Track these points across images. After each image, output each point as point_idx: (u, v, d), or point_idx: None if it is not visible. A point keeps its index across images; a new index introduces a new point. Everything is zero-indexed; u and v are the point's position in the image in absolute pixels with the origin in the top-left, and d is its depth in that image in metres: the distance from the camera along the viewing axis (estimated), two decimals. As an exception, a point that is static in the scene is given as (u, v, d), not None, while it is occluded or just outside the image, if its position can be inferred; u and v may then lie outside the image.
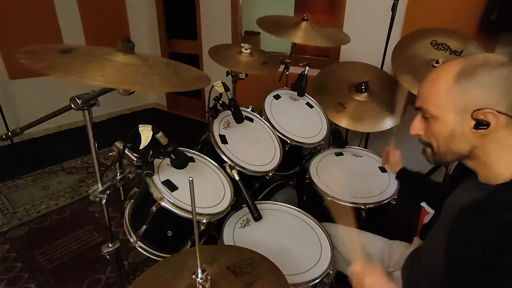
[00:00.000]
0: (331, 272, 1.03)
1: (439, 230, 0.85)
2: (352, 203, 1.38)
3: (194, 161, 1.26)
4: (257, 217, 1.16)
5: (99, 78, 0.69)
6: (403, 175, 1.28)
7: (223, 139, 1.36)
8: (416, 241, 1.11)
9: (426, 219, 1.66)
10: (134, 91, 0.82)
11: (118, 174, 0.98)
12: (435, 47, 1.71)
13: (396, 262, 1.08)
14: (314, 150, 1.73)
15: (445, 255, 0.74)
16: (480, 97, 0.64)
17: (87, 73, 0.70)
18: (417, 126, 0.77)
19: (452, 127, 0.69)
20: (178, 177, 1.11)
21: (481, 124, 0.65)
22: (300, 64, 1.78)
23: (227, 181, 1.25)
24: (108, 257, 1.04)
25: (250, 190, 1.47)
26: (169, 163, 1.05)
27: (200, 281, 0.67)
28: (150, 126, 0.91)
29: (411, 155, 2.78)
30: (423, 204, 1.54)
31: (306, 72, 1.72)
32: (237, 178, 1.20)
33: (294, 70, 1.92)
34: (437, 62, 1.65)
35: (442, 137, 0.72)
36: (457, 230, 0.73)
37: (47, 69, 0.67)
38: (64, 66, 0.70)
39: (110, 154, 0.97)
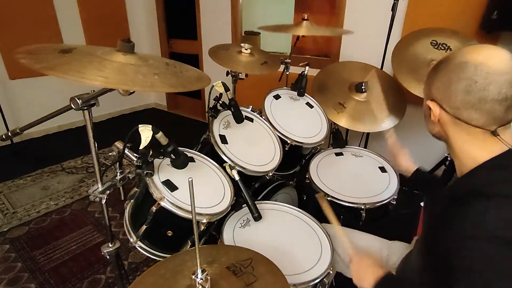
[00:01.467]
0: (331, 272, 1.03)
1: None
2: (352, 203, 1.38)
3: (194, 161, 1.26)
4: (257, 217, 1.16)
5: (98, 78, 0.69)
6: (417, 178, 1.18)
7: (223, 139, 1.36)
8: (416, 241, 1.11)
9: (426, 219, 1.66)
10: (134, 91, 0.82)
11: (118, 174, 0.98)
12: (435, 47, 1.71)
13: (395, 263, 1.08)
14: (314, 150, 1.73)
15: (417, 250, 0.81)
16: (432, 89, 0.73)
17: (87, 73, 0.70)
18: None
19: (424, 110, 0.78)
20: (178, 177, 1.11)
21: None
22: (300, 64, 1.78)
23: (227, 181, 1.25)
24: (108, 257, 1.04)
25: (250, 190, 1.47)
26: (169, 163, 1.05)
27: (200, 281, 0.67)
28: (150, 126, 0.91)
29: (410, 153, 2.78)
30: (423, 204, 1.53)
31: (306, 72, 1.72)
32: (237, 178, 1.20)
33: (294, 70, 1.92)
34: (437, 62, 1.65)
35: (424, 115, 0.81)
36: (424, 223, 0.81)
37: (47, 69, 0.67)
38: (64, 66, 0.70)
39: (110, 154, 0.97)
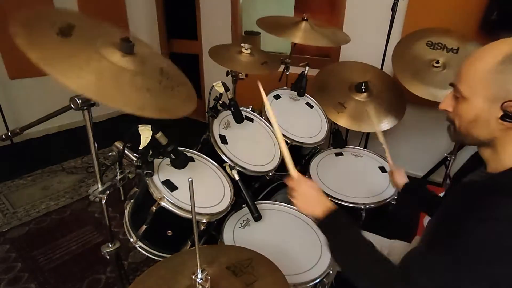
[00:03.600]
0: (331, 272, 1.03)
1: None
2: (352, 203, 1.38)
3: (194, 161, 1.26)
4: (257, 217, 1.16)
5: (92, 89, 0.67)
6: (407, 190, 1.21)
7: (223, 139, 1.36)
8: (417, 240, 1.11)
9: (426, 220, 1.66)
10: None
11: (118, 174, 0.98)
12: (431, 47, 1.72)
13: (395, 262, 1.08)
14: (314, 150, 1.73)
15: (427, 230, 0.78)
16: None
17: (80, 79, 0.67)
18: (447, 102, 0.74)
19: (476, 112, 0.66)
20: (178, 177, 1.11)
21: (508, 117, 0.61)
22: (300, 64, 1.78)
23: (227, 181, 1.25)
24: (108, 257, 1.04)
25: (250, 190, 1.47)
26: (169, 163, 1.05)
27: (200, 281, 0.67)
28: (150, 126, 0.91)
29: (410, 153, 2.77)
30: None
31: (306, 72, 1.72)
32: (237, 178, 1.20)
33: (294, 70, 1.92)
34: (438, 62, 1.65)
35: (465, 120, 0.69)
36: (444, 205, 0.76)
37: (40, 59, 0.64)
38: (59, 65, 0.67)
39: (110, 154, 0.97)
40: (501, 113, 0.62)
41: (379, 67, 2.06)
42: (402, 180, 1.23)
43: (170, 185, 1.07)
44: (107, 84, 0.71)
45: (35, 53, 0.65)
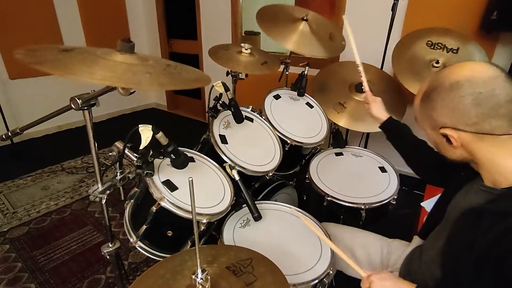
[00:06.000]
0: (331, 272, 1.03)
1: (440, 231, 0.85)
2: (352, 203, 1.38)
3: (194, 161, 1.26)
4: (257, 217, 1.16)
5: (83, 74, 0.66)
6: (388, 125, 1.21)
7: (223, 139, 1.36)
8: (416, 240, 1.11)
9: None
10: (134, 91, 0.82)
11: (118, 174, 0.98)
12: (431, 47, 1.72)
13: (395, 261, 1.08)
14: (314, 150, 1.73)
15: (442, 257, 0.75)
16: (437, 117, 0.71)
17: (73, 69, 0.67)
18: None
19: (432, 140, 0.78)
20: (178, 177, 1.11)
21: (448, 141, 0.71)
22: (300, 64, 1.78)
23: (227, 181, 1.25)
24: (108, 257, 1.04)
25: (250, 190, 1.47)
26: (169, 163, 1.05)
27: (200, 281, 0.67)
28: (150, 126, 0.91)
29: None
30: (423, 204, 1.53)
31: (306, 72, 1.72)
32: (237, 178, 1.20)
33: (294, 70, 1.92)
34: (437, 62, 1.65)
35: (434, 146, 0.80)
36: (456, 233, 0.73)
37: (36, 64, 0.64)
38: (54, 63, 0.68)
39: (110, 154, 0.97)
40: (444, 138, 0.72)
41: (379, 67, 2.06)
42: (380, 113, 1.25)
43: (171, 185, 1.07)
44: (99, 71, 0.70)
45: (31, 59, 0.66)
